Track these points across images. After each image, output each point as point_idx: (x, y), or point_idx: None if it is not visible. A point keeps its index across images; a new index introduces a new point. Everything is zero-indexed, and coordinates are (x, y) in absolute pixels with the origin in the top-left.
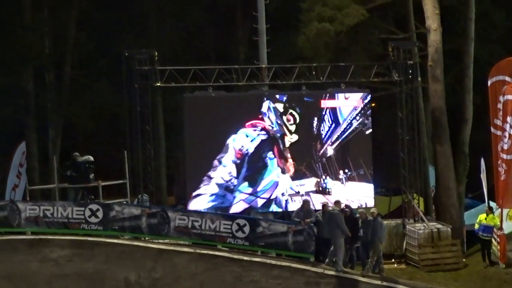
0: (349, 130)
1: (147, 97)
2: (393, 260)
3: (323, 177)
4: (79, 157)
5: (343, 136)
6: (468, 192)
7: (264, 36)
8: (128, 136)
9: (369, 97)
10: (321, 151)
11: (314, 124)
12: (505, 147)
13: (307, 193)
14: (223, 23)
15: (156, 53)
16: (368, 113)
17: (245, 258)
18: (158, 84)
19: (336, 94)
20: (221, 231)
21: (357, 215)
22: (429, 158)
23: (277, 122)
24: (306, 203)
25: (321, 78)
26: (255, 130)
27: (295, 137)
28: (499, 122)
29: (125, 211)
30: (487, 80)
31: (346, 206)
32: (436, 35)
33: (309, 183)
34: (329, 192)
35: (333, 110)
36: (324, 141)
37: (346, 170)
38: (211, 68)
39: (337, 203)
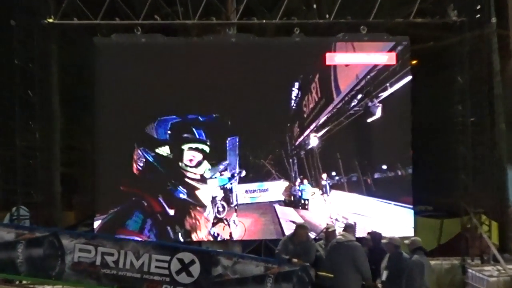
0: (348, 112)
1: (32, 43)
2: None
3: (298, 180)
4: None
5: (338, 120)
6: None
7: None
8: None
9: (407, 49)
10: (300, 139)
11: (293, 95)
12: None
13: (269, 204)
14: None
15: None
16: (382, 89)
17: None
18: (50, 21)
19: (350, 44)
20: (152, 273)
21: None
22: (509, 154)
23: None
24: (301, 230)
25: (327, 16)
26: None
27: None
28: None
29: None
30: None
31: (371, 232)
32: None
33: (274, 189)
34: (305, 205)
35: (326, 77)
36: (305, 124)
37: (334, 173)
38: None
39: (350, 227)
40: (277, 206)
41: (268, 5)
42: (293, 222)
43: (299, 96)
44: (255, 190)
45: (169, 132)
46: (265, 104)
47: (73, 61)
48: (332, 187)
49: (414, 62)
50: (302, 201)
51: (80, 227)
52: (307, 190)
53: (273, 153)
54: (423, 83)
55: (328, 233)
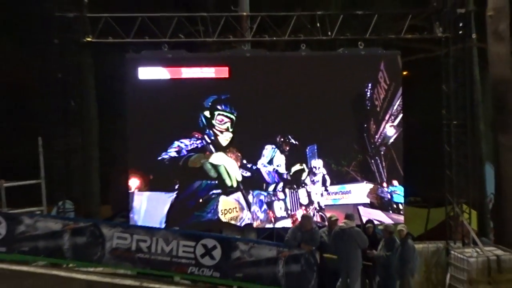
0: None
1: (72, 58)
2: None
3: (384, 180)
4: None
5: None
6: None
7: None
8: (44, 117)
9: (399, 62)
10: (378, 135)
11: (368, 93)
12: None
13: (353, 206)
14: None
15: None
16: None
17: None
18: (89, 39)
19: (350, 56)
20: (180, 256)
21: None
22: (488, 153)
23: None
24: (306, 219)
25: (329, 33)
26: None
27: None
28: None
29: (39, 226)
30: None
31: (369, 221)
32: None
33: (357, 191)
34: (399, 210)
35: (391, 61)
36: (380, 117)
37: None
38: (167, 17)
39: (350, 217)
40: (360, 208)
41: (278, 24)
42: (380, 221)
43: (374, 91)
44: (337, 193)
45: None
46: (339, 109)
47: (109, 74)
48: None
49: (405, 73)
50: (394, 205)
51: (117, 218)
52: (400, 192)
53: (357, 159)
54: (414, 91)
55: (331, 222)
